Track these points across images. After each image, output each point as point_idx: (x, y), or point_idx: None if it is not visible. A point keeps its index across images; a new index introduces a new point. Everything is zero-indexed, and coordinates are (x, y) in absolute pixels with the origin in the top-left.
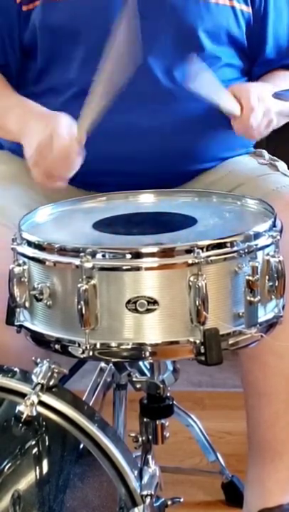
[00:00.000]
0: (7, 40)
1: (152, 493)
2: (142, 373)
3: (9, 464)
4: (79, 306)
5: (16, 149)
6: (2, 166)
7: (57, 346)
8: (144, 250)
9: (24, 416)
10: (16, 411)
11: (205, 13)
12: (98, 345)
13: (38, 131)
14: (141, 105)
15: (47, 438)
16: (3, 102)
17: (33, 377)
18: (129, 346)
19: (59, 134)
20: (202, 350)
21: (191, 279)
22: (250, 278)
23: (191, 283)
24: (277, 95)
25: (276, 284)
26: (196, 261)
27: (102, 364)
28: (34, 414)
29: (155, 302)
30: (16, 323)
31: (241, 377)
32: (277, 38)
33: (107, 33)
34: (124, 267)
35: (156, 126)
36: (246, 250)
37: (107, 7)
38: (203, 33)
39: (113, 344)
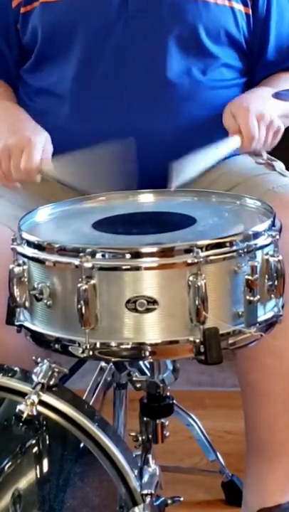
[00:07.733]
0: (3, 41)
1: (152, 492)
2: (142, 373)
3: (9, 463)
4: (79, 306)
5: None
6: None
7: (57, 346)
8: (144, 250)
9: (24, 415)
10: (17, 410)
11: (204, 12)
12: (98, 345)
13: (12, 135)
14: (141, 106)
15: (47, 437)
16: None
17: (34, 377)
18: (129, 346)
19: (30, 155)
20: (202, 350)
21: (191, 278)
22: (250, 277)
23: (190, 282)
24: (277, 95)
25: (275, 283)
26: (196, 260)
27: (102, 363)
28: (34, 413)
29: (155, 302)
30: (16, 323)
31: (238, 378)
32: (279, 38)
33: (104, 33)
34: (124, 267)
35: (156, 126)
36: (245, 250)
37: (104, 7)
38: (203, 32)
39: (113, 344)
